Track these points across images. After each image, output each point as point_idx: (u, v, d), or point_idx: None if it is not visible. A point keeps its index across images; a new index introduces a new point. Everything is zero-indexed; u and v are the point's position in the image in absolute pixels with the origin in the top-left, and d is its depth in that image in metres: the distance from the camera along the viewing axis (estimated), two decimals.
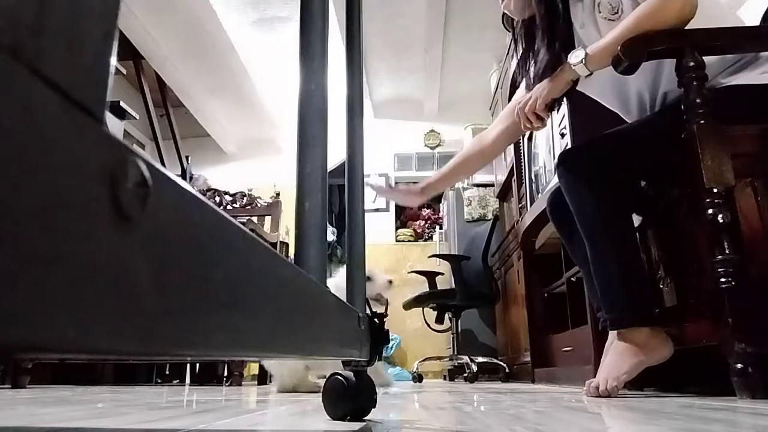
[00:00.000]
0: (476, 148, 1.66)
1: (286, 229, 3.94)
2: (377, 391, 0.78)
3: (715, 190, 1.08)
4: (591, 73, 1.32)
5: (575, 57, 1.30)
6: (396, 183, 1.89)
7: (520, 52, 1.55)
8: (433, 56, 4.71)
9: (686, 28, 1.20)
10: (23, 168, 0.12)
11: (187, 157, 4.67)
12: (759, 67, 1.23)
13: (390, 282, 2.15)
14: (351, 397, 0.75)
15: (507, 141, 1.68)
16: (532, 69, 1.48)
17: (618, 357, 1.22)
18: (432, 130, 5.81)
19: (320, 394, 0.80)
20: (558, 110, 1.57)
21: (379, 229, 5.35)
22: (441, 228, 5.22)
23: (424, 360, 3.49)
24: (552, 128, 2.19)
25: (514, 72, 2.80)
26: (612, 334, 1.40)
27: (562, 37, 1.38)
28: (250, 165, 5.81)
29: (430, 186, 1.65)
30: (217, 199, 3.54)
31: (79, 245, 0.14)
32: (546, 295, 2.66)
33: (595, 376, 1.28)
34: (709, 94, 1.15)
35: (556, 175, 1.36)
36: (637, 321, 1.23)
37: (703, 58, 1.18)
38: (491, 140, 1.63)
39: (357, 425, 0.71)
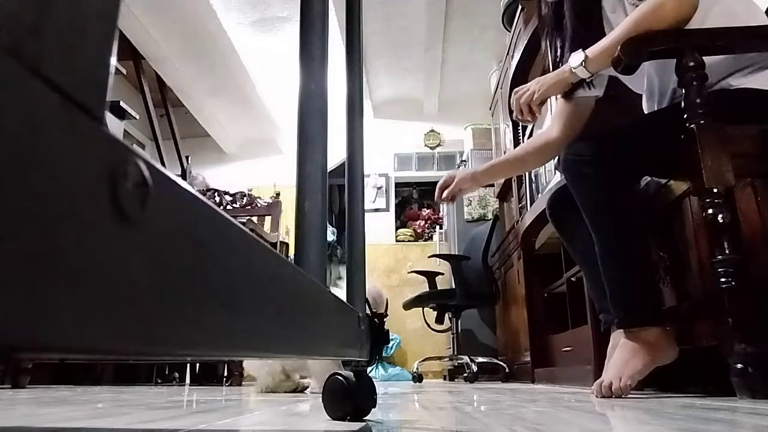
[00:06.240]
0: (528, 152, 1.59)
1: (286, 229, 3.94)
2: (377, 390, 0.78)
3: (715, 190, 1.08)
4: (592, 75, 1.32)
5: (575, 60, 1.30)
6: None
7: (547, 32, 1.53)
8: (433, 56, 4.71)
9: (703, 27, 1.19)
10: (23, 168, 0.12)
11: (187, 157, 4.67)
12: None
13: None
14: (351, 397, 0.75)
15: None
16: (558, 51, 1.46)
17: (630, 355, 1.20)
18: (432, 130, 5.80)
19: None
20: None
21: (379, 229, 5.35)
22: (441, 228, 5.22)
23: (424, 360, 3.49)
24: None
25: (515, 71, 2.80)
26: (615, 336, 1.39)
27: (595, 19, 1.36)
28: (250, 165, 5.81)
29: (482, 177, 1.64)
30: (217, 199, 3.54)
31: (79, 245, 0.14)
32: (546, 295, 2.66)
33: (595, 376, 1.27)
34: (711, 97, 1.14)
35: (561, 168, 1.32)
36: (650, 320, 1.21)
37: (713, 57, 1.17)
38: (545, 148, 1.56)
39: (357, 425, 0.71)
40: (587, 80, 1.36)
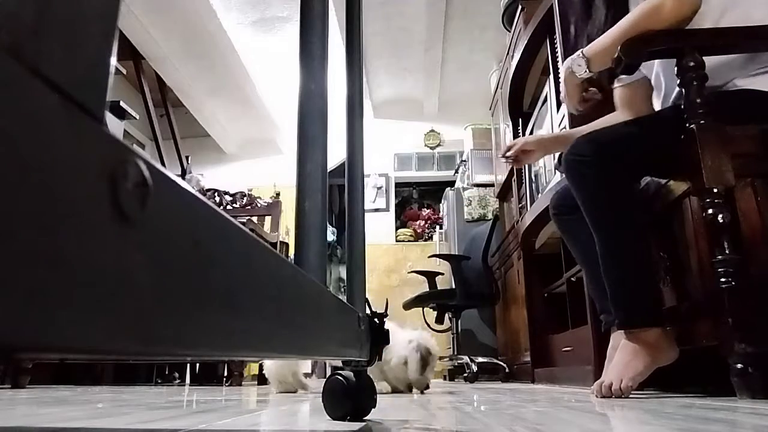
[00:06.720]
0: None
1: (286, 229, 3.94)
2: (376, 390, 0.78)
3: (715, 190, 1.08)
4: (594, 74, 1.32)
5: (576, 60, 1.30)
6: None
7: (575, 20, 1.53)
8: (433, 56, 4.72)
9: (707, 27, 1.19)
10: (23, 168, 0.12)
11: (187, 157, 4.67)
12: None
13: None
14: (351, 397, 0.75)
15: None
16: (587, 39, 1.46)
17: (630, 357, 1.20)
18: (432, 130, 5.81)
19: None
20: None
21: (379, 229, 5.35)
22: (441, 228, 5.22)
23: None
24: (552, 127, 2.20)
25: (515, 71, 2.80)
26: (615, 336, 1.39)
27: (620, 5, 1.36)
28: (250, 165, 5.82)
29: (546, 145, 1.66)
30: (217, 199, 3.54)
31: (79, 245, 0.14)
32: (546, 295, 2.66)
33: (595, 377, 1.27)
34: (712, 97, 1.14)
35: (563, 168, 1.32)
36: (651, 321, 1.20)
37: (723, 57, 1.17)
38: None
39: (357, 425, 0.71)
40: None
